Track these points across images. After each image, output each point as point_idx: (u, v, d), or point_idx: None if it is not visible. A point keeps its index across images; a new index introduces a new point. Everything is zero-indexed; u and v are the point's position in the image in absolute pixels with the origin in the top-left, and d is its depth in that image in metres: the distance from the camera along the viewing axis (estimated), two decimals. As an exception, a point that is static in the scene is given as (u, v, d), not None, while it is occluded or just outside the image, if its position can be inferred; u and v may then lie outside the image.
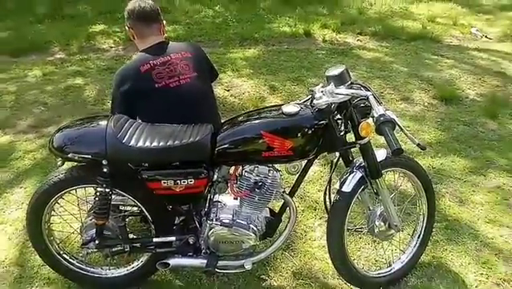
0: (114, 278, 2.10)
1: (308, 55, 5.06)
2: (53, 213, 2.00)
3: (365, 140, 1.84)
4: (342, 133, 1.86)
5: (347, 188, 1.92)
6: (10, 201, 2.76)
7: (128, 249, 1.93)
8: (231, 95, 4.19)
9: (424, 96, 4.17)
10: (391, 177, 2.36)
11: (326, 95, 1.78)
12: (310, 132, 1.79)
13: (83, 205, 2.04)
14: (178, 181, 1.79)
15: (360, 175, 1.93)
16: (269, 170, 1.87)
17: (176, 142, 1.78)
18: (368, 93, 1.71)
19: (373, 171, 1.91)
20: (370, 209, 2.06)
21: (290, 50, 5.23)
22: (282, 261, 2.30)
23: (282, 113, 1.78)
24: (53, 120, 3.79)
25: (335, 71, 1.82)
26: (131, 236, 1.98)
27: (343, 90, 1.75)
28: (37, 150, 3.35)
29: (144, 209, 1.92)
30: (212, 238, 1.88)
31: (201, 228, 1.91)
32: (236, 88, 4.31)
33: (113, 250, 1.94)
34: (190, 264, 1.95)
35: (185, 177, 1.79)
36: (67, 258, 2.07)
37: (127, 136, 1.77)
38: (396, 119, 1.64)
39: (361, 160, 1.94)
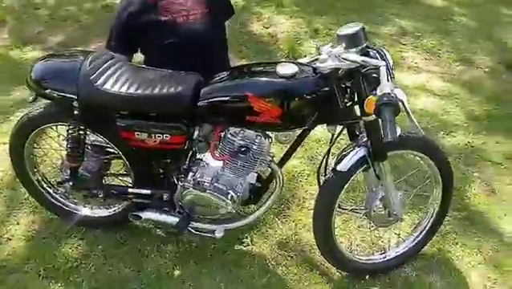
0: (93, 218, 2.07)
1: (366, -1, 4.48)
2: (35, 145, 1.94)
3: (370, 118, 1.54)
4: (347, 104, 1.57)
5: (343, 167, 1.67)
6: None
7: (101, 194, 1.85)
8: (268, 34, 3.85)
9: (487, 60, 3.58)
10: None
11: (331, 58, 1.48)
12: (305, 99, 1.52)
13: (64, 141, 1.96)
14: (152, 135, 1.63)
15: (362, 154, 1.66)
16: (256, 135, 1.65)
17: (155, 91, 1.59)
18: (381, 63, 1.39)
19: (377, 152, 1.64)
20: (371, 191, 1.81)
21: (347, -12, 4.66)
22: (271, 226, 2.15)
23: (276, 73, 1.51)
24: (82, 39, 3.71)
25: (348, 29, 1.49)
26: (108, 181, 1.89)
27: (352, 55, 1.44)
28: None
29: (121, 154, 1.80)
30: (185, 199, 1.74)
31: (176, 186, 1.77)
32: (275, 26, 3.94)
33: (88, 192, 1.87)
34: (162, 220, 1.85)
35: (160, 131, 1.62)
36: (50, 191, 2.04)
37: (102, 79, 1.60)
38: (405, 100, 1.33)
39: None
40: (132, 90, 1.58)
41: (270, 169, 1.76)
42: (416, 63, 3.54)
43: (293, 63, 1.58)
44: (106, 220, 2.07)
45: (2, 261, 1.97)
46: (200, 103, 1.58)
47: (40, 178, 2.03)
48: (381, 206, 1.79)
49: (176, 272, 1.95)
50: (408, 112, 1.34)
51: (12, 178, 2.32)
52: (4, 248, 2.04)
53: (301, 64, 1.58)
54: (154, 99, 1.58)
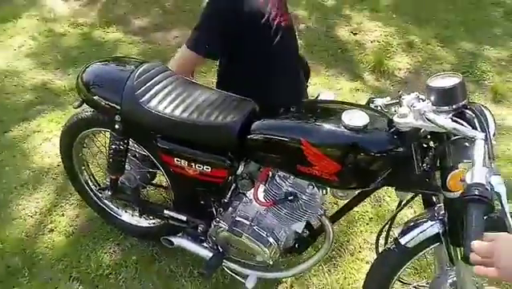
0: (133, 226, 1.98)
1: (477, 10, 3.89)
2: (84, 145, 1.88)
3: (451, 195, 1.21)
4: (426, 171, 1.26)
5: (410, 242, 1.36)
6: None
7: (138, 209, 1.74)
8: (355, 41, 3.50)
9: None
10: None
11: (413, 115, 1.17)
12: (373, 158, 1.23)
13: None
14: (192, 164, 1.45)
15: (435, 232, 1.34)
16: (309, 184, 1.40)
17: (201, 117, 1.40)
18: (479, 135, 1.06)
19: (455, 237, 1.30)
20: (440, 269, 1.49)
21: (457, -4, 4.10)
22: (315, 274, 1.90)
23: (341, 123, 1.24)
24: (163, 26, 3.67)
25: (442, 80, 1.17)
26: (145, 198, 1.77)
27: (441, 118, 1.12)
28: (137, 55, 3.29)
29: (164, 173, 1.66)
30: (219, 236, 1.56)
31: (213, 219, 1.59)
32: (364, 33, 3.58)
33: (126, 204, 1.77)
34: (194, 251, 1.69)
35: (201, 161, 1.44)
36: (95, 191, 1.99)
37: (147, 95, 1.45)
38: (504, 194, 0.99)
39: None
40: (176, 112, 1.42)
41: (319, 223, 1.51)
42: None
43: (365, 109, 1.29)
44: (144, 231, 1.97)
45: (39, 253, 1.97)
46: (249, 137, 1.37)
47: (87, 177, 1.99)
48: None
49: (204, 305, 1.80)
50: (505, 212, 1.00)
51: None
52: (45, 239, 2.04)
53: (373, 112, 1.30)
54: (198, 127, 1.40)
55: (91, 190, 1.99)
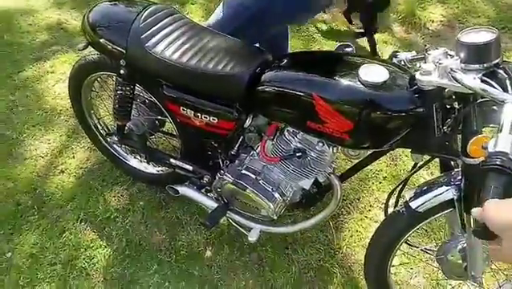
0: (141, 172, 1.97)
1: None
2: (92, 89, 1.83)
3: (471, 161, 1.13)
4: (446, 134, 1.16)
5: (420, 206, 1.30)
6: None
7: (144, 156, 1.71)
8: None
9: None
10: None
11: (439, 72, 1.06)
12: (390, 118, 1.14)
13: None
14: (199, 114, 1.39)
15: (449, 197, 1.26)
16: (318, 141, 1.33)
17: (209, 65, 1.32)
18: (510, 99, 0.95)
19: (469, 204, 1.23)
20: (452, 234, 1.43)
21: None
22: (322, 229, 1.87)
23: (358, 78, 1.14)
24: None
25: (475, 35, 1.04)
26: (153, 145, 1.74)
27: (469, 78, 1.00)
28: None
29: (170, 121, 1.61)
30: (224, 189, 1.53)
31: (219, 171, 1.55)
32: None
33: (133, 150, 1.74)
34: (199, 201, 1.66)
35: (208, 112, 1.37)
36: (104, 134, 1.96)
37: (154, 39, 1.37)
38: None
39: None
40: (183, 59, 1.34)
41: (328, 181, 1.45)
42: None
43: (385, 64, 1.18)
44: (152, 177, 1.96)
45: (49, 194, 2.00)
46: (258, 89, 1.29)
47: (96, 121, 1.96)
48: (459, 258, 1.41)
49: (208, 253, 1.81)
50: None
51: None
52: (55, 180, 2.06)
53: (394, 67, 1.19)
54: (205, 76, 1.32)
55: (100, 134, 1.96)
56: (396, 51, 1.31)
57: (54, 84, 2.51)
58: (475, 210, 0.79)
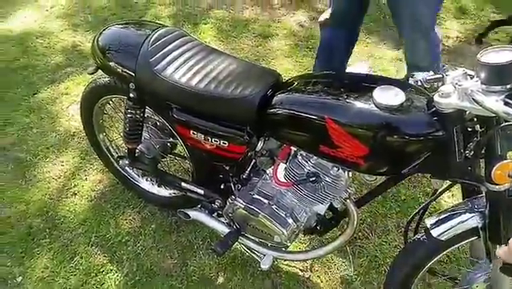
0: (153, 195, 1.94)
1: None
2: (105, 111, 1.82)
3: (496, 188, 1.06)
4: (468, 158, 1.10)
5: (441, 234, 1.22)
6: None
7: (155, 180, 1.69)
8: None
9: None
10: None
11: (458, 94, 1.01)
12: (407, 142, 1.09)
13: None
14: (209, 138, 1.36)
15: (474, 226, 1.19)
16: (333, 166, 1.28)
17: (218, 88, 1.29)
18: (535, 122, 0.89)
19: (494, 235, 1.16)
20: (476, 263, 1.35)
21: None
22: (339, 255, 1.80)
23: (373, 100, 1.09)
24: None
25: (495, 54, 0.99)
26: (165, 168, 1.71)
27: (490, 100, 0.95)
28: (167, 17, 3.18)
29: (181, 144, 1.58)
30: (235, 215, 1.48)
31: (231, 196, 1.51)
32: None
33: (144, 172, 1.72)
34: (210, 226, 1.62)
35: (218, 135, 1.34)
36: (116, 157, 1.95)
37: (163, 62, 1.35)
38: None
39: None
40: (192, 82, 1.31)
41: (344, 206, 1.39)
42: None
43: (401, 85, 1.13)
44: (164, 200, 1.93)
45: (61, 216, 1.98)
46: (269, 112, 1.25)
47: (108, 144, 1.95)
48: (485, 288, 1.33)
49: (220, 280, 1.76)
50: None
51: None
52: (67, 203, 2.04)
53: (411, 89, 1.14)
54: (214, 99, 1.29)
55: (112, 157, 1.95)
56: (410, 76, 1.26)
57: (69, 106, 2.53)
58: (501, 250, 0.74)
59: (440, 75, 1.13)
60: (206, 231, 1.89)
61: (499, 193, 1.07)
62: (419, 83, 1.20)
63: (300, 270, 1.77)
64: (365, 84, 1.18)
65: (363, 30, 3.00)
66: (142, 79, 1.37)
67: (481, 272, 1.33)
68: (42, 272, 1.79)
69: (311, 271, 1.76)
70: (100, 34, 1.52)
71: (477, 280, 1.33)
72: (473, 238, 1.24)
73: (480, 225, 1.18)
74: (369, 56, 2.87)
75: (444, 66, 1.12)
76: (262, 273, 1.75)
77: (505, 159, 1.01)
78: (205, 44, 1.46)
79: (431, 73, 1.20)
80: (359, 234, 1.88)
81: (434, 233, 1.23)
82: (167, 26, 1.47)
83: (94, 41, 1.52)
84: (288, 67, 2.78)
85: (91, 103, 1.75)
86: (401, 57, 2.83)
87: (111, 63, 1.45)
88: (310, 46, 2.98)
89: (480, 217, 1.18)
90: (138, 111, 1.51)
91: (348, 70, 1.75)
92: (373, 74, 1.41)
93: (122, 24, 1.56)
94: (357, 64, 1.52)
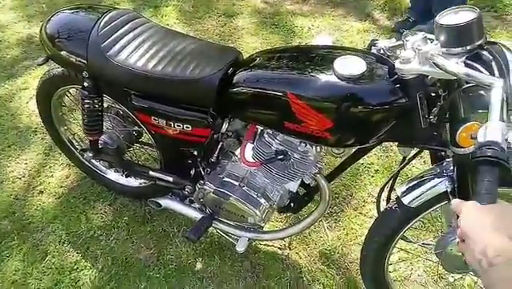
0: (122, 185, 1.88)
1: None
2: (63, 104, 1.74)
3: (462, 151, 1.05)
4: (432, 124, 1.09)
5: (413, 201, 1.23)
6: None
7: (122, 171, 1.63)
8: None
9: None
10: None
11: (419, 59, 0.98)
12: (371, 112, 1.07)
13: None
14: (171, 123, 1.31)
15: (443, 190, 1.20)
16: (300, 142, 1.25)
17: (176, 70, 1.24)
18: (497, 82, 0.87)
19: (464, 197, 1.15)
20: (449, 227, 1.36)
21: None
22: (316, 230, 1.80)
23: (333, 71, 1.06)
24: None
25: (454, 16, 0.97)
26: (129, 158, 1.65)
27: (451, 62, 0.93)
28: (127, 2, 3.05)
29: (146, 131, 1.53)
30: (205, 200, 1.45)
31: (200, 181, 1.47)
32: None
33: (110, 165, 1.66)
34: (183, 213, 1.59)
35: (181, 120, 1.29)
36: (79, 150, 1.87)
37: (115, 47, 1.28)
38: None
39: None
40: (148, 66, 1.25)
41: (315, 181, 1.38)
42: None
43: (362, 54, 1.11)
44: (134, 190, 1.88)
45: (29, 216, 1.91)
46: (230, 91, 1.21)
47: (71, 137, 1.87)
48: (458, 250, 1.34)
49: (198, 266, 1.73)
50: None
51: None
52: (34, 202, 1.97)
53: (372, 57, 1.11)
54: (173, 82, 1.23)
55: (76, 150, 1.87)
56: (375, 40, 1.23)
57: (28, 101, 2.42)
58: (454, 201, 0.75)
59: (402, 42, 1.10)
60: (181, 219, 1.85)
61: (465, 156, 1.06)
62: (381, 52, 1.18)
63: (279, 248, 1.76)
64: (326, 56, 1.14)
65: (327, 3, 2.98)
66: (95, 67, 1.30)
67: (453, 235, 1.33)
68: (14, 275, 1.73)
69: (290, 249, 1.76)
70: (48, 21, 1.43)
71: (450, 243, 1.34)
72: (443, 203, 1.24)
73: (449, 190, 1.18)
74: (336, 29, 2.83)
75: (404, 31, 1.09)
76: (240, 255, 1.73)
77: (469, 121, 1.00)
78: (159, 25, 1.40)
79: (393, 40, 1.18)
80: (335, 207, 1.88)
81: (405, 200, 1.23)
82: (116, 9, 1.39)
83: (41, 29, 1.43)
84: (255, 46, 2.73)
85: (47, 96, 1.66)
86: (368, 28, 2.81)
87: (61, 52, 1.37)
88: (277, 23, 2.92)
89: (448, 181, 1.18)
90: (95, 101, 1.44)
91: (311, 43, 1.71)
92: (334, 45, 1.37)
93: (71, 9, 1.47)
94: (319, 37, 1.48)
